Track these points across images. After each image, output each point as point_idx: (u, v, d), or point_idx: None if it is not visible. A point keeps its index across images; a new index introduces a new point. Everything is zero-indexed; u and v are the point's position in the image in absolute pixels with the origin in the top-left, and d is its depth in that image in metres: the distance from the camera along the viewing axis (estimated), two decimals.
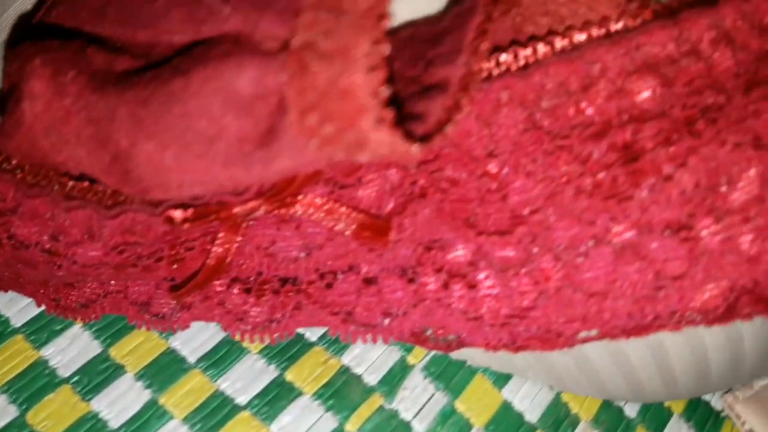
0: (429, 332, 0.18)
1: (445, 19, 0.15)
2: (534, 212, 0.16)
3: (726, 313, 0.16)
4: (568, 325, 0.16)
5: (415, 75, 0.14)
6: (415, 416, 0.20)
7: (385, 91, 0.11)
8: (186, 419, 0.19)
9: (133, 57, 0.14)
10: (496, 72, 0.16)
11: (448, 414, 0.20)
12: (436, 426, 0.19)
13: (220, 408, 0.19)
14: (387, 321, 0.17)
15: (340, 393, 0.20)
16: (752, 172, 0.15)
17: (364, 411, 0.19)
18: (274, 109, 0.12)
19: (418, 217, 0.16)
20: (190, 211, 0.16)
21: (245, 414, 0.19)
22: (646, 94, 0.16)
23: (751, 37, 0.16)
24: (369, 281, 0.18)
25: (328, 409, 0.19)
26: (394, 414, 0.19)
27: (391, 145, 0.12)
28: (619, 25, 0.16)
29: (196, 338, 0.21)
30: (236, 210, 0.16)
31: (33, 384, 0.19)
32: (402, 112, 0.13)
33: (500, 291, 0.16)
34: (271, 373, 0.20)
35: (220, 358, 0.20)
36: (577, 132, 0.16)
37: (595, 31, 0.16)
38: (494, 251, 0.16)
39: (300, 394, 0.20)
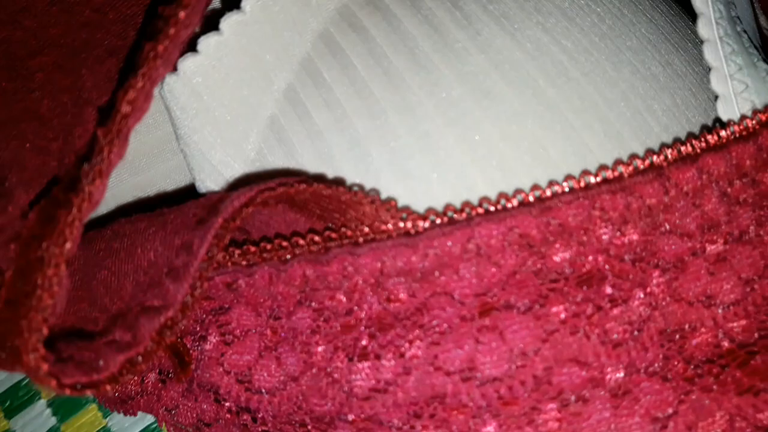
0: None
1: (203, 217, 0.17)
2: (286, 383, 0.18)
3: None
4: None
5: (155, 280, 0.16)
6: None
7: (46, 363, 0.14)
8: None
9: None
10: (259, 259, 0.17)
11: None
12: None
13: None
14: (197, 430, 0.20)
15: None
16: None
17: None
18: None
19: (204, 360, 0.19)
20: None
21: None
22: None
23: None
24: (190, 389, 0.20)
25: None
26: None
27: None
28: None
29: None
30: None
31: None
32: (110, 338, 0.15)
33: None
34: None
35: None
36: (331, 322, 0.17)
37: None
38: (263, 406, 0.18)
39: None
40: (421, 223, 0.16)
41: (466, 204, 0.16)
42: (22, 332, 0.14)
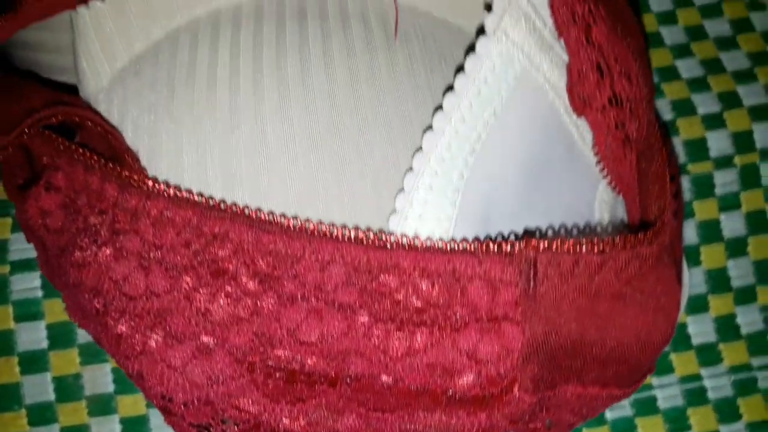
0: None
1: (37, 107, 0.25)
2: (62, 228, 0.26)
3: None
4: None
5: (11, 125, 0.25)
6: None
7: None
8: None
9: None
10: None
11: None
12: None
13: None
14: None
15: None
16: None
17: None
18: None
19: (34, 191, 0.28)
20: None
21: None
22: None
23: None
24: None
25: None
26: None
27: None
28: None
29: None
30: None
31: None
32: None
33: None
34: None
35: None
36: (85, 211, 0.25)
37: None
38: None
39: None
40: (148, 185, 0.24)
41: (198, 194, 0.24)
42: None
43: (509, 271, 0.22)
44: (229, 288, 0.23)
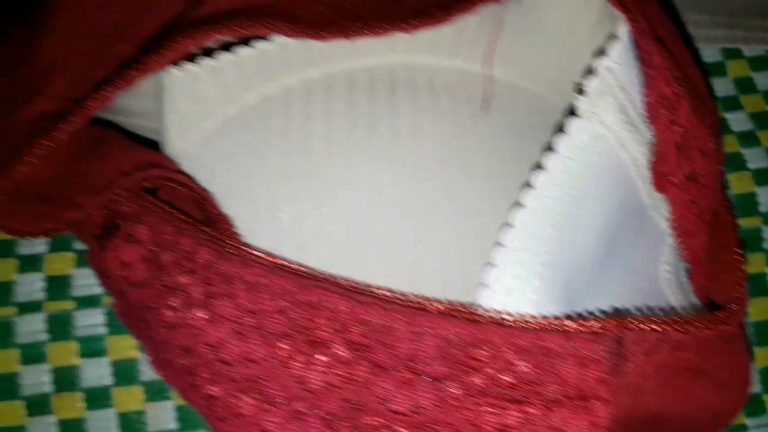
0: None
1: (128, 170, 0.25)
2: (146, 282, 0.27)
3: None
4: None
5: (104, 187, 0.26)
6: None
7: None
8: None
9: None
10: None
11: None
12: None
13: None
14: None
15: None
16: None
17: None
18: None
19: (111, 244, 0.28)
20: None
21: None
22: None
23: None
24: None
25: None
26: None
27: None
28: None
29: None
30: None
31: None
32: None
33: None
34: None
35: None
36: (168, 271, 0.26)
37: None
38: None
39: None
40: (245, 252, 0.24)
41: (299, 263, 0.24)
42: None
43: (596, 348, 0.23)
44: (323, 356, 0.24)
